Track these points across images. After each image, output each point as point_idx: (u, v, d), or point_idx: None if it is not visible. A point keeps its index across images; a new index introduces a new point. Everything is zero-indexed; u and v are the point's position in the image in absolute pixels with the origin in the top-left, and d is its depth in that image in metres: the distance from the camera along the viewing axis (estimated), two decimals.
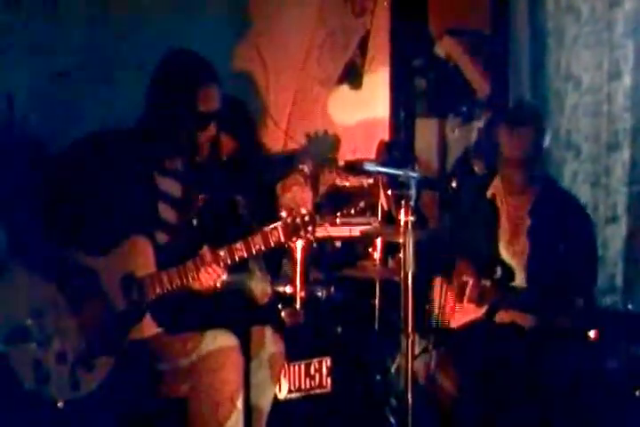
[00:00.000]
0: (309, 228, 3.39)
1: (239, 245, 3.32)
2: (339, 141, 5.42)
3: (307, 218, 3.38)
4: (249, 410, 3.31)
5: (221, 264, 3.31)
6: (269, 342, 3.55)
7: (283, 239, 3.35)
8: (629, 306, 4.27)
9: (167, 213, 3.43)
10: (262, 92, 5.25)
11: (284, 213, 3.40)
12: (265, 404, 3.53)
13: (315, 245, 3.94)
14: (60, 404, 3.05)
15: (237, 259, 3.32)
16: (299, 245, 4.28)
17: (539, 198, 4.03)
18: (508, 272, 4.01)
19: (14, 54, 4.28)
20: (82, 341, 3.14)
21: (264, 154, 5.17)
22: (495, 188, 4.09)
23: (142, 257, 3.28)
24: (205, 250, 3.31)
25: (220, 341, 3.34)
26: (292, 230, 3.37)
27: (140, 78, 3.58)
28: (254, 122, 4.99)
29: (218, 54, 4.47)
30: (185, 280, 3.27)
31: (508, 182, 4.03)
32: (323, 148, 5.35)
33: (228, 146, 4.69)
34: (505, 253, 4.03)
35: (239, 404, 3.30)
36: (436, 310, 4.02)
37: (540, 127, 3.99)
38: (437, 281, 4.08)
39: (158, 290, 3.24)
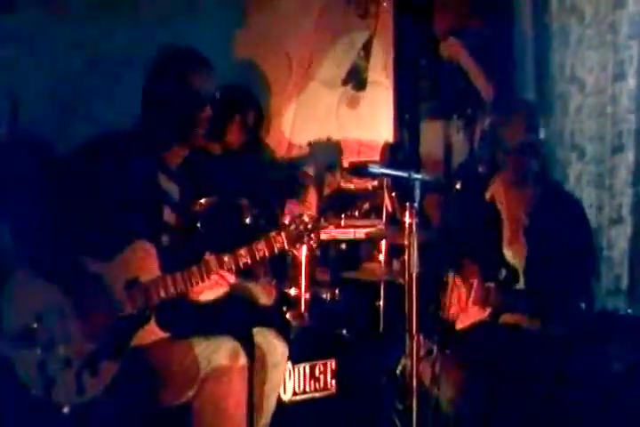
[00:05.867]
0: (313, 235, 3.42)
1: (243, 251, 3.32)
2: (341, 149, 5.43)
3: (310, 225, 3.41)
4: (252, 412, 3.31)
5: (225, 269, 3.31)
6: (273, 345, 3.55)
7: (287, 246, 3.37)
8: (629, 311, 4.27)
9: (169, 215, 3.43)
10: (265, 93, 5.26)
11: (287, 221, 3.44)
12: (268, 407, 3.53)
13: (319, 248, 3.94)
14: (65, 409, 3.04)
15: (242, 265, 3.33)
16: (303, 247, 4.28)
17: (537, 198, 4.05)
18: (513, 273, 4.01)
19: (18, 57, 4.29)
20: (87, 345, 3.12)
21: (269, 157, 5.18)
22: (494, 189, 4.12)
23: (146, 261, 3.27)
24: (210, 256, 3.31)
25: (225, 352, 3.30)
26: (296, 237, 3.39)
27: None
28: (261, 109, 4.98)
29: (219, 55, 4.49)
30: (189, 285, 3.26)
31: (506, 174, 4.05)
32: (325, 155, 5.36)
33: (236, 133, 4.69)
34: (507, 254, 4.04)
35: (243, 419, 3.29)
36: (446, 306, 4.01)
37: (531, 114, 4.07)
38: (449, 277, 4.07)
39: (163, 294, 3.23)
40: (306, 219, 3.42)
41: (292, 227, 3.40)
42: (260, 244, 3.33)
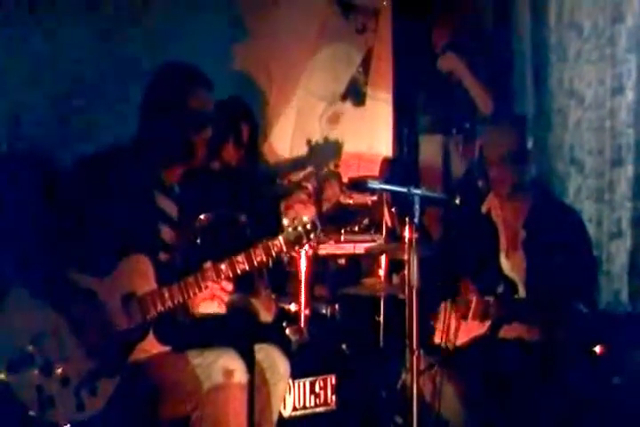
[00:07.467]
0: (312, 235, 3.34)
1: (240, 257, 3.27)
2: (340, 148, 5.43)
3: (309, 226, 3.33)
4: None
5: (222, 277, 3.27)
6: (274, 361, 3.54)
7: (285, 249, 3.30)
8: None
9: (166, 233, 3.41)
10: (264, 107, 5.27)
11: (285, 222, 3.35)
12: (271, 424, 3.52)
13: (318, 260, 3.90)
14: (66, 426, 3.02)
15: (240, 272, 3.27)
16: (302, 262, 4.27)
17: (532, 210, 4.06)
18: (511, 286, 4.01)
19: (19, 73, 4.30)
20: (84, 364, 3.10)
21: (266, 169, 5.18)
22: (490, 202, 4.13)
23: (142, 275, 3.24)
24: (207, 264, 3.27)
25: (224, 366, 3.28)
26: (295, 240, 3.32)
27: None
28: (257, 122, 4.98)
29: (219, 71, 4.51)
30: (187, 296, 3.23)
31: (497, 186, 4.05)
32: (324, 155, 5.37)
33: (231, 150, 4.69)
34: (505, 267, 4.04)
35: None
36: (441, 329, 4.00)
37: (517, 125, 4.10)
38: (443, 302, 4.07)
39: (160, 307, 3.19)
40: (305, 219, 3.34)
41: (290, 229, 3.32)
42: (258, 249, 3.27)
